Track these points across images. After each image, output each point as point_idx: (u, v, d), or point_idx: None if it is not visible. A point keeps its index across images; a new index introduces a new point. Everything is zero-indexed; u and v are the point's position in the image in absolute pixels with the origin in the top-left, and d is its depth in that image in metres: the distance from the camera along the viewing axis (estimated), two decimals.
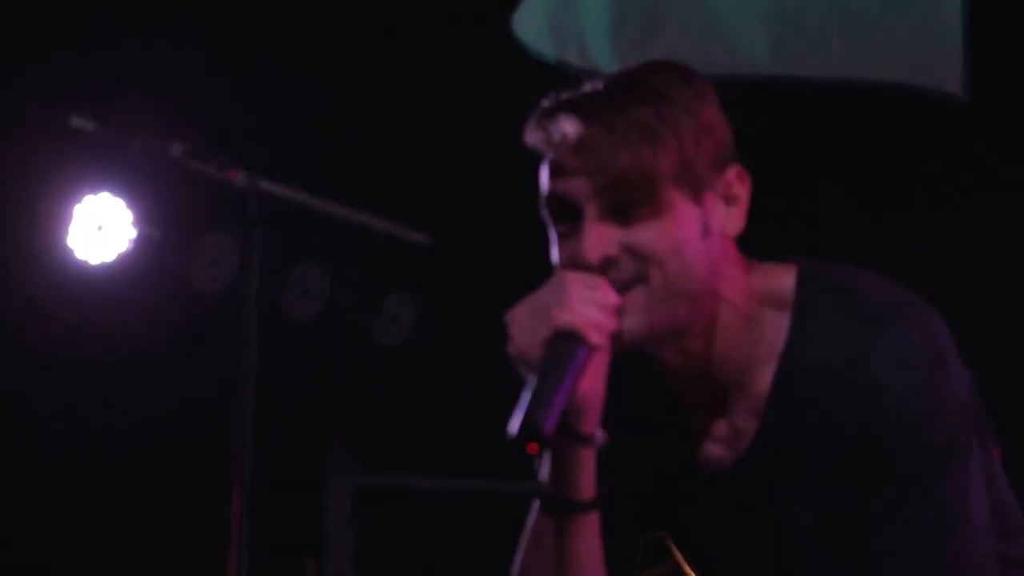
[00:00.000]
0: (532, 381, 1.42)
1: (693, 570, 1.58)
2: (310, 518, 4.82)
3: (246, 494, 3.99)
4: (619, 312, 1.46)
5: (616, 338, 1.46)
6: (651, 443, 1.51)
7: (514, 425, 1.40)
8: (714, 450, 1.55)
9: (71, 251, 3.59)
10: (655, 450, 1.50)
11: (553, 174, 1.48)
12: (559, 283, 1.44)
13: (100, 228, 3.59)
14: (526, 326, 1.44)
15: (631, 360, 1.55)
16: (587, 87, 1.49)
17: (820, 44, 3.59)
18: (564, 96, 1.49)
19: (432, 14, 3.89)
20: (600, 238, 1.44)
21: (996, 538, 1.51)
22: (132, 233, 3.62)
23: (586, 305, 1.43)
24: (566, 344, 1.42)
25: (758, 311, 1.52)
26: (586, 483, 1.47)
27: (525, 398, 1.41)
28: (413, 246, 4.39)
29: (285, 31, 3.90)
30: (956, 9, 3.63)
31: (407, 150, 4.00)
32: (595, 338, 1.44)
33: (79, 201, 3.61)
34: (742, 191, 1.50)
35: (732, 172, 1.50)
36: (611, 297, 1.44)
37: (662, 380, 1.56)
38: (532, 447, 1.42)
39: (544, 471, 1.53)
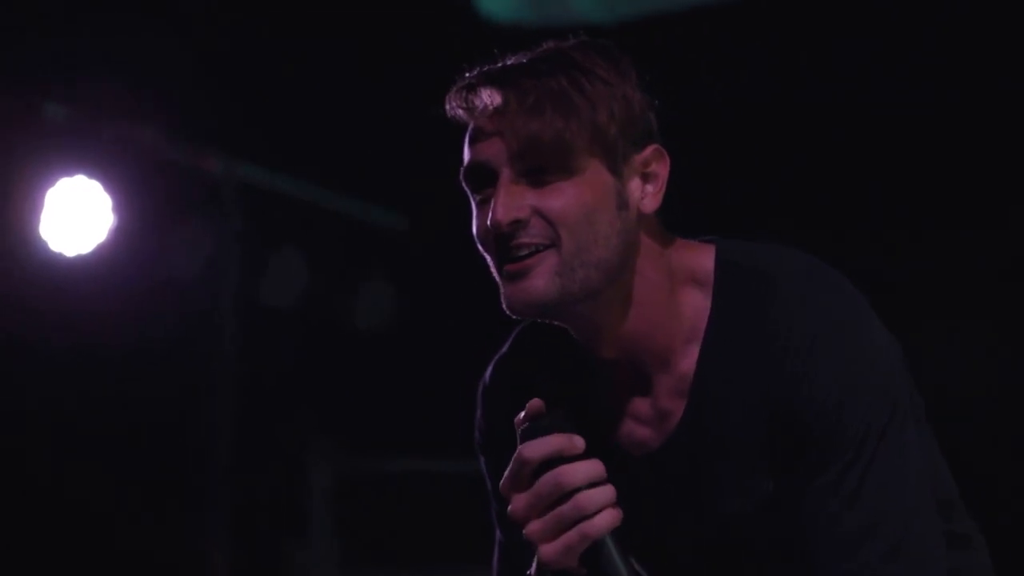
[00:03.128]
0: None
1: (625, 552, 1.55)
2: (292, 502, 4.87)
3: (228, 479, 4.05)
4: (531, 274, 1.47)
5: (526, 298, 1.47)
6: (578, 427, 1.47)
7: None
8: (640, 432, 1.54)
9: (45, 241, 3.56)
10: (582, 434, 1.46)
11: (472, 141, 1.50)
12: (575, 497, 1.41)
13: (77, 215, 3.56)
14: (553, 539, 1.41)
15: (557, 346, 1.57)
16: (509, 60, 1.51)
17: None
18: (484, 68, 1.51)
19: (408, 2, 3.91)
20: (511, 200, 1.45)
21: (937, 512, 1.49)
22: (110, 219, 3.60)
23: (605, 502, 1.41)
24: (605, 548, 1.41)
25: (678, 290, 1.52)
26: None
27: None
28: (390, 231, 4.40)
29: (259, 16, 3.91)
30: None
31: (383, 135, 4.01)
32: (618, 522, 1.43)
33: (52, 186, 3.59)
34: (661, 169, 1.51)
35: (651, 149, 1.50)
36: (609, 488, 1.42)
37: (587, 364, 1.56)
38: None
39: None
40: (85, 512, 4.24)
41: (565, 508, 1.40)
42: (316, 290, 4.27)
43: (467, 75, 1.49)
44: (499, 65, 1.50)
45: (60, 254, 3.59)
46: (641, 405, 1.54)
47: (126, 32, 3.66)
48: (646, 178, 1.50)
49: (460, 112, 1.48)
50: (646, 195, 1.50)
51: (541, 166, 1.46)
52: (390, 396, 4.34)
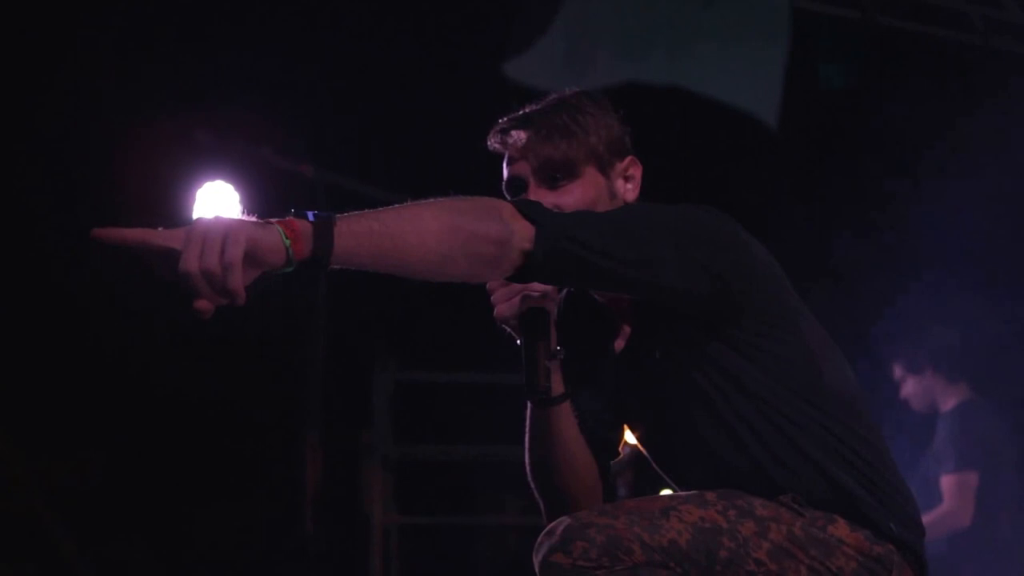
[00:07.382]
0: (525, 350, 1.87)
1: (614, 422, 2.00)
2: (364, 402, 5.88)
3: (319, 381, 4.86)
4: None
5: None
6: (595, 342, 1.91)
7: (529, 391, 1.86)
8: (621, 343, 1.96)
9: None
10: (602, 341, 1.90)
11: (508, 164, 1.95)
12: None
13: (217, 208, 4.40)
14: (505, 300, 1.86)
15: (580, 299, 2.01)
16: (527, 107, 1.97)
17: (684, 64, 4.56)
18: (511, 115, 1.97)
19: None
20: (538, 200, 1.84)
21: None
22: (238, 211, 4.63)
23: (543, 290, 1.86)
24: (539, 317, 1.85)
25: None
26: (557, 383, 1.90)
27: (526, 366, 1.85)
28: None
29: (347, 65, 4.53)
30: (782, 55, 4.45)
31: (462, 146, 4.44)
32: (553, 308, 1.89)
33: (200, 187, 4.63)
34: (636, 172, 1.96)
35: (628, 159, 1.95)
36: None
37: (600, 305, 1.99)
38: (546, 396, 1.91)
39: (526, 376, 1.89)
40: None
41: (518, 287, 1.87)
42: None
43: (499, 121, 1.98)
44: (520, 112, 1.98)
45: None
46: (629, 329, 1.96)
47: (249, 80, 4.56)
48: (627, 179, 1.96)
49: (498, 147, 1.96)
50: (627, 190, 1.96)
51: (555, 175, 1.91)
52: (442, 320, 5.05)
